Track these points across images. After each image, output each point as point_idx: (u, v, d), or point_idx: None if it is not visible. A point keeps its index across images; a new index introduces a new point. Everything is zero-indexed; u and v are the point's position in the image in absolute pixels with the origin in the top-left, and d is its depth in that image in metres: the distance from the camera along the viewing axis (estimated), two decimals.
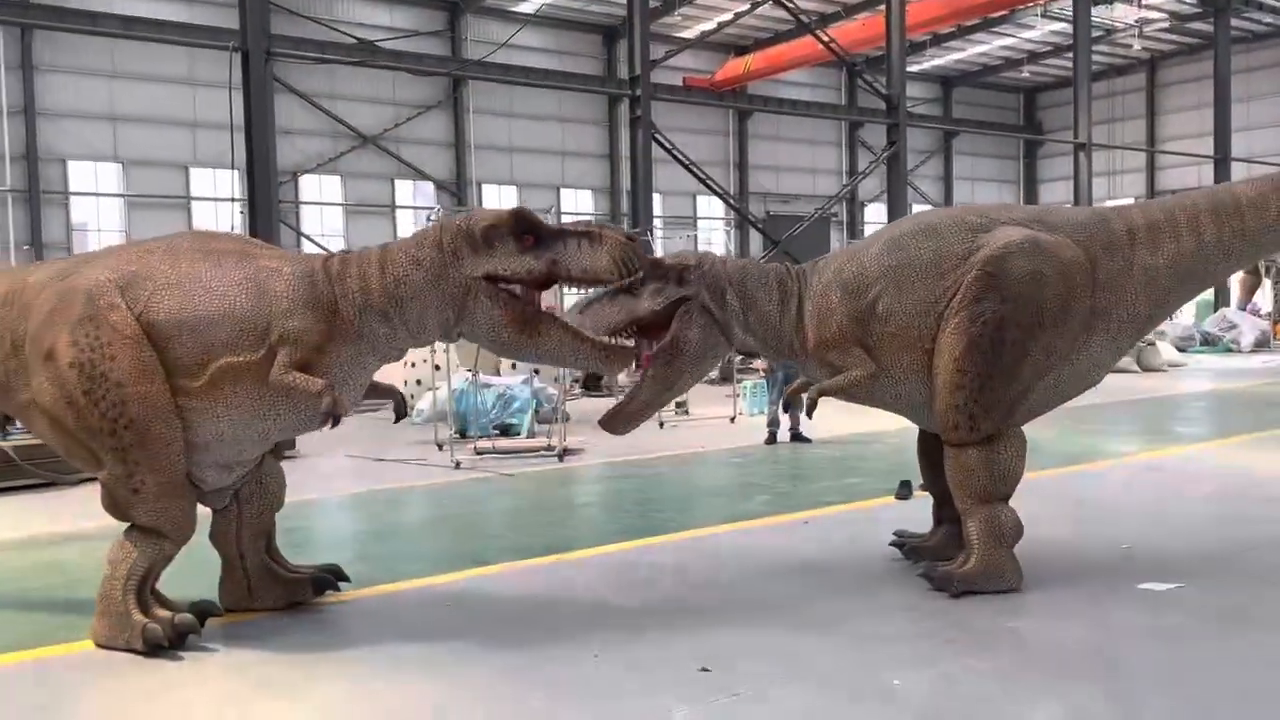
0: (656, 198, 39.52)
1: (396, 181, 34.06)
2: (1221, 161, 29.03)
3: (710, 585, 5.89)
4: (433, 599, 5.72)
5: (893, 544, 6.35)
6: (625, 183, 38.01)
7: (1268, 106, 38.49)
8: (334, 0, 31.70)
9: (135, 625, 4.75)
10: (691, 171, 23.42)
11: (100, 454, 4.84)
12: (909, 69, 44.60)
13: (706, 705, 4.10)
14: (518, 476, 9.68)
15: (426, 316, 4.90)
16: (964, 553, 5.44)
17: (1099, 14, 37.45)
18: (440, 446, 11.32)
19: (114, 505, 4.92)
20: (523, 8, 34.97)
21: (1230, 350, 23.39)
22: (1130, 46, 39.01)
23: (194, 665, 4.69)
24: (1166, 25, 39.26)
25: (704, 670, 4.45)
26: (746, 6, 34.40)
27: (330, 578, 5.61)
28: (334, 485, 9.53)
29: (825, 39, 25.01)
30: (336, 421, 4.81)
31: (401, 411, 5.54)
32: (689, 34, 37.30)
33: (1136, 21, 37.21)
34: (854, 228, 41.68)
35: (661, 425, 13.32)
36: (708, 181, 23.31)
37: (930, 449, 6.04)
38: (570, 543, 6.93)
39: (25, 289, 5.19)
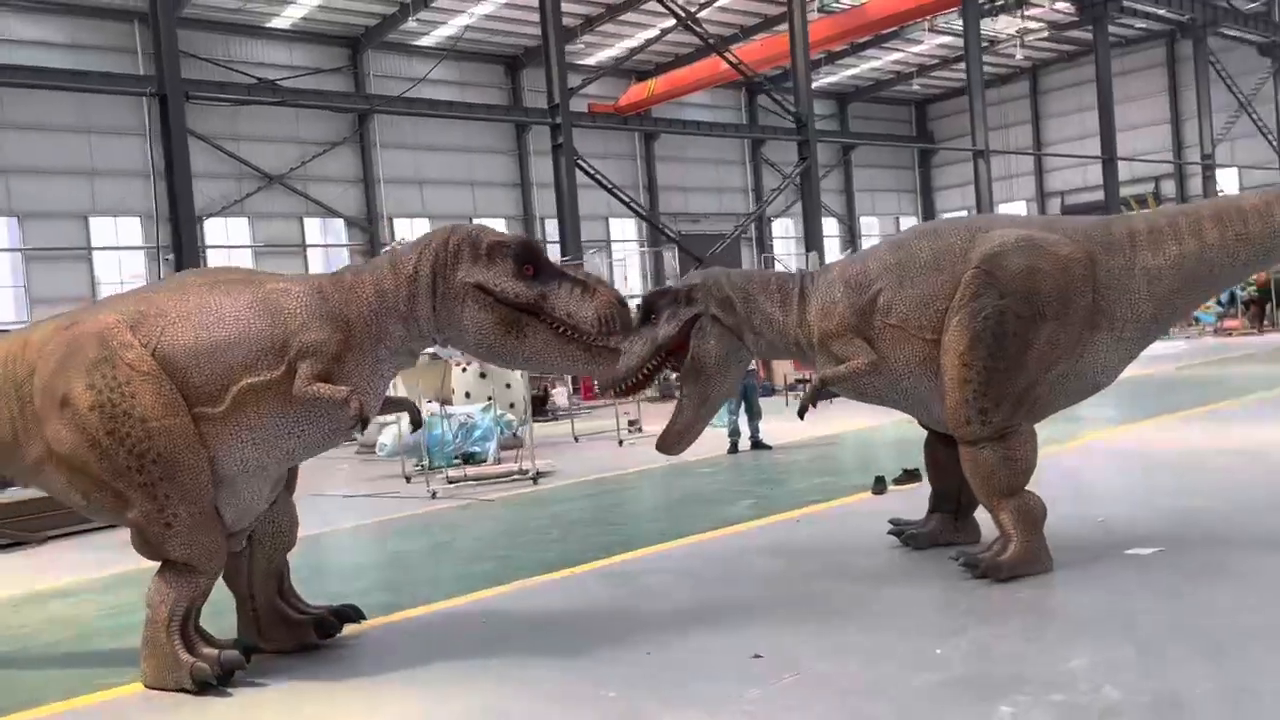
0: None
1: (305, 220, 33.73)
2: (1109, 162, 30.60)
3: (729, 584, 6.14)
4: (464, 618, 5.84)
5: (891, 533, 6.69)
6: (538, 209, 38.37)
7: (1144, 107, 40.64)
8: (230, 41, 31.33)
9: (184, 665, 4.75)
10: (615, 195, 23.79)
11: (128, 493, 4.82)
12: (772, 94, 46.09)
13: (773, 686, 4.33)
14: (498, 501, 9.80)
15: (432, 313, 4.98)
16: (1000, 541, 5.68)
17: (983, 26, 39.19)
18: (408, 479, 11.36)
19: (146, 544, 4.91)
20: (424, 42, 35.04)
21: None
22: (1013, 56, 40.77)
23: (248, 700, 4.74)
24: (1045, 35, 41.19)
25: (757, 657, 4.70)
26: (655, 33, 34.97)
27: (334, 620, 5.49)
28: (317, 523, 9.49)
29: (734, 60, 25.67)
30: (365, 425, 4.92)
31: (417, 421, 5.73)
32: (591, 60, 37.85)
33: (1018, 32, 38.98)
34: (763, 243, 42.57)
35: (621, 443, 13.56)
36: (631, 204, 23.67)
37: (936, 449, 6.41)
38: (576, 557, 7.08)
39: (28, 346, 5.19)
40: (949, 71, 45.75)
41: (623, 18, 34.35)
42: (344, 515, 9.74)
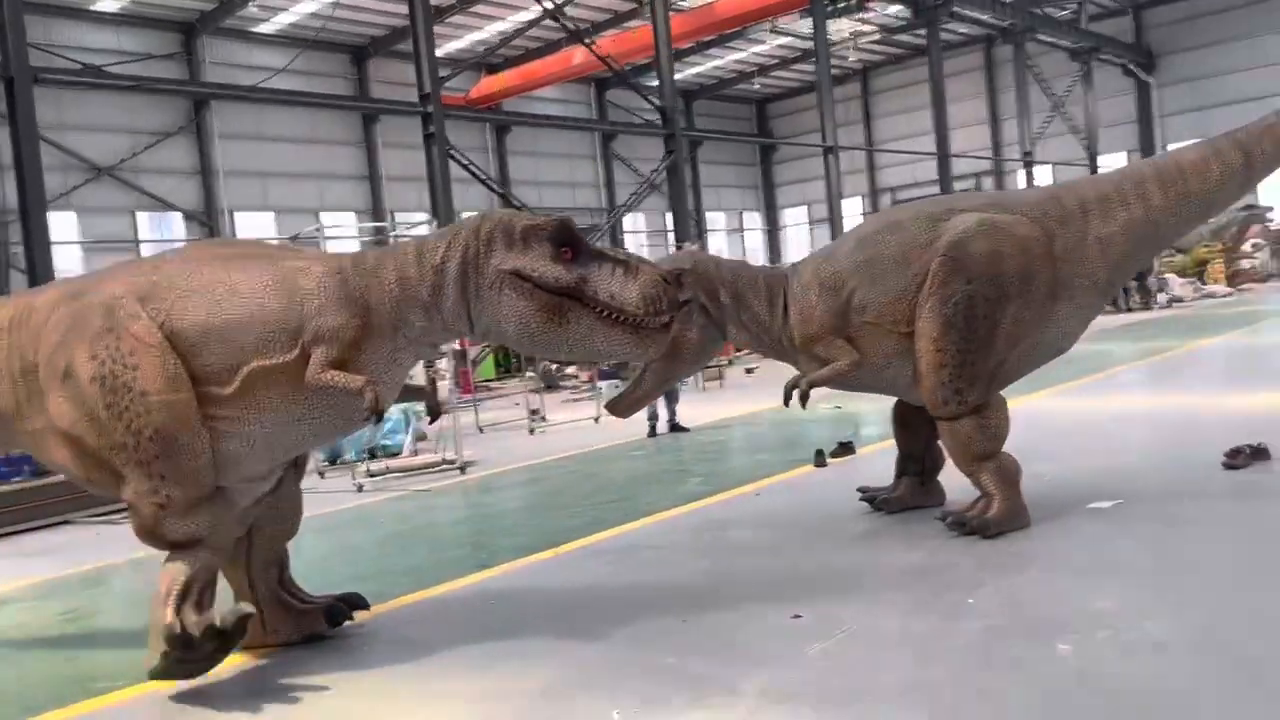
0: (422, 218, 39.24)
1: (139, 214, 31.85)
2: (943, 159, 32.33)
3: (725, 554, 6.29)
4: (469, 601, 5.76)
5: (863, 499, 6.99)
6: (388, 203, 37.51)
7: (965, 108, 43.04)
8: (51, 24, 29.23)
9: (167, 628, 4.43)
10: (491, 189, 23.55)
11: (124, 470, 4.62)
12: (652, 84, 46.53)
13: (830, 641, 4.50)
14: (433, 491, 9.62)
15: (460, 306, 4.74)
16: (982, 501, 6.01)
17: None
18: (321, 474, 11.00)
19: (143, 526, 4.67)
20: (263, 29, 33.66)
21: None
22: (846, 58, 42.56)
23: (303, 700, 4.56)
24: (877, 38, 43.17)
25: (797, 617, 4.87)
26: (507, 25, 34.70)
27: (344, 607, 5.33)
28: None
29: (600, 54, 25.69)
30: (380, 418, 4.67)
31: (436, 411, 5.39)
32: (440, 53, 37.17)
33: (852, 35, 40.71)
34: (615, 238, 42.90)
35: (532, 432, 13.51)
36: (508, 197, 23.41)
37: (906, 415, 6.71)
38: (553, 538, 7.06)
39: (33, 312, 4.97)
40: (788, 72, 47.37)
41: (474, 9, 33.97)
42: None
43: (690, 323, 6.15)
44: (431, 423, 5.63)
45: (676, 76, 46.03)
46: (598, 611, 5.30)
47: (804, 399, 6.21)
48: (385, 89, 37.69)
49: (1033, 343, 6.19)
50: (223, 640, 4.53)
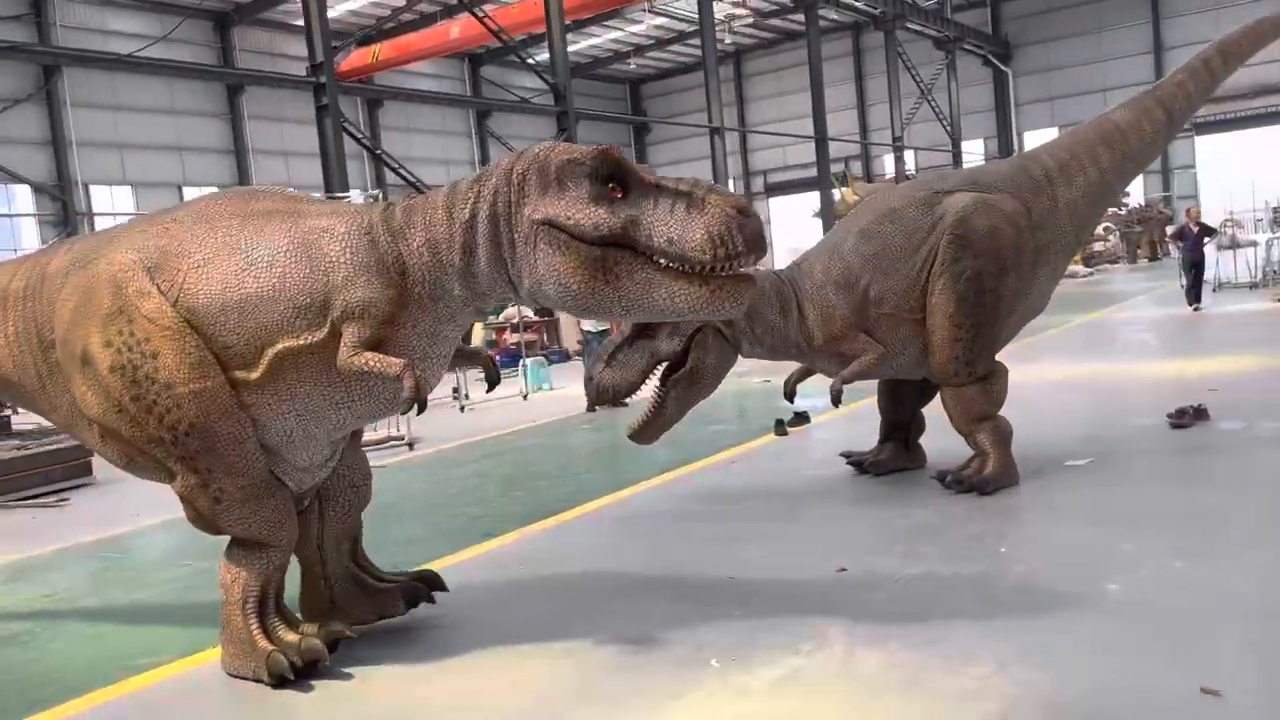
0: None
1: None
2: (820, 142, 33.23)
3: (736, 517, 6.38)
4: (489, 567, 5.71)
5: (850, 463, 7.23)
6: (255, 177, 36.08)
7: (835, 93, 44.26)
8: None
9: (260, 653, 4.21)
10: (386, 163, 22.90)
11: (168, 464, 4.25)
12: (528, 61, 46.05)
13: (889, 590, 4.70)
14: (390, 467, 9.41)
15: (495, 268, 4.05)
16: (978, 460, 6.33)
17: (692, 11, 41.14)
18: None
19: (200, 518, 4.35)
20: None
21: None
22: (722, 40, 43.09)
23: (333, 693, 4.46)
24: (750, 21, 43.90)
25: (842, 570, 5.05)
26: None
27: (424, 587, 4.88)
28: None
29: (495, 27, 25.36)
30: (423, 407, 4.04)
31: (494, 378, 4.85)
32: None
33: (726, 18, 41.27)
34: None
35: (462, 410, 13.32)
36: (401, 171, 22.87)
37: (896, 388, 6.95)
38: (545, 508, 7.04)
39: (46, 280, 4.54)
40: (663, 53, 47.68)
41: None
42: None
43: (708, 348, 6.01)
44: (489, 390, 5.37)
45: (546, 56, 46.01)
46: (639, 574, 5.36)
47: (838, 399, 6.24)
48: (252, 59, 36.27)
49: (1022, 309, 6.57)
50: (309, 665, 4.25)
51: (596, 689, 3.93)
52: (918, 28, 38.37)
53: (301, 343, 4.08)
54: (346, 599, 4.70)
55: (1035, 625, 4.15)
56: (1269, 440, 7.02)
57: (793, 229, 50.60)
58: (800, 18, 41.07)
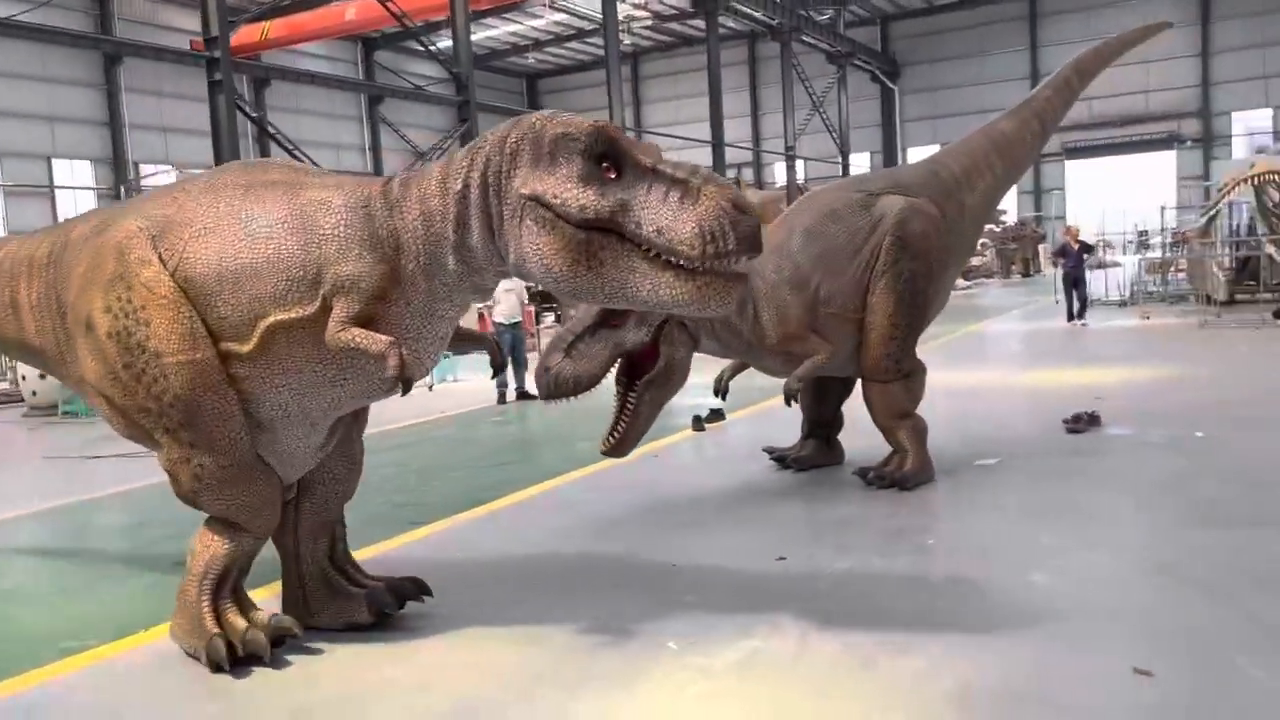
0: (167, 170, 36.42)
1: None
2: (717, 147, 33.71)
3: (668, 508, 6.45)
4: (427, 551, 5.68)
5: (773, 458, 7.41)
6: (131, 153, 34.64)
7: (731, 100, 44.98)
8: None
9: (205, 634, 4.08)
10: (279, 143, 22.20)
11: (155, 434, 4.15)
12: (420, 49, 45.38)
13: (829, 578, 4.87)
14: None
15: (487, 242, 3.90)
16: (897, 457, 6.58)
17: (592, 8, 41.22)
18: None
19: (182, 494, 4.24)
20: None
21: None
22: (621, 41, 43.25)
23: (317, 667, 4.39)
24: (649, 23, 44.23)
25: (781, 559, 5.20)
26: None
27: (389, 598, 4.54)
28: (139, 473, 8.35)
29: (398, 11, 24.91)
30: (408, 387, 3.95)
31: (499, 364, 4.77)
32: None
33: (625, 19, 41.49)
34: None
35: None
36: (297, 154, 22.23)
37: (822, 388, 7.14)
38: (471, 497, 7.02)
39: (68, 246, 4.48)
40: (561, 49, 47.60)
41: None
42: (123, 475, 8.59)
43: (676, 342, 5.73)
44: (494, 377, 5.18)
45: (445, 44, 45.39)
46: (582, 560, 5.41)
47: (793, 397, 6.34)
48: (132, 29, 34.75)
49: (934, 309, 6.90)
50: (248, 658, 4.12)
51: (558, 671, 3.98)
52: (812, 41, 39.28)
53: (293, 316, 3.98)
54: (316, 599, 4.53)
55: (972, 612, 4.38)
56: (1157, 444, 7.50)
57: None
58: (698, 24, 41.56)
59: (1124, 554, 4.99)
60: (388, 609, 4.50)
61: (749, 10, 35.18)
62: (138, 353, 4.06)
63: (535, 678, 3.93)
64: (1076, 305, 18.15)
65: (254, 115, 21.15)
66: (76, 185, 33.50)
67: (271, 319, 3.99)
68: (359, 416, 4.65)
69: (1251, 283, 18.27)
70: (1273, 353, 12.48)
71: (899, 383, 6.54)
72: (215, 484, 4.14)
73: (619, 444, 5.61)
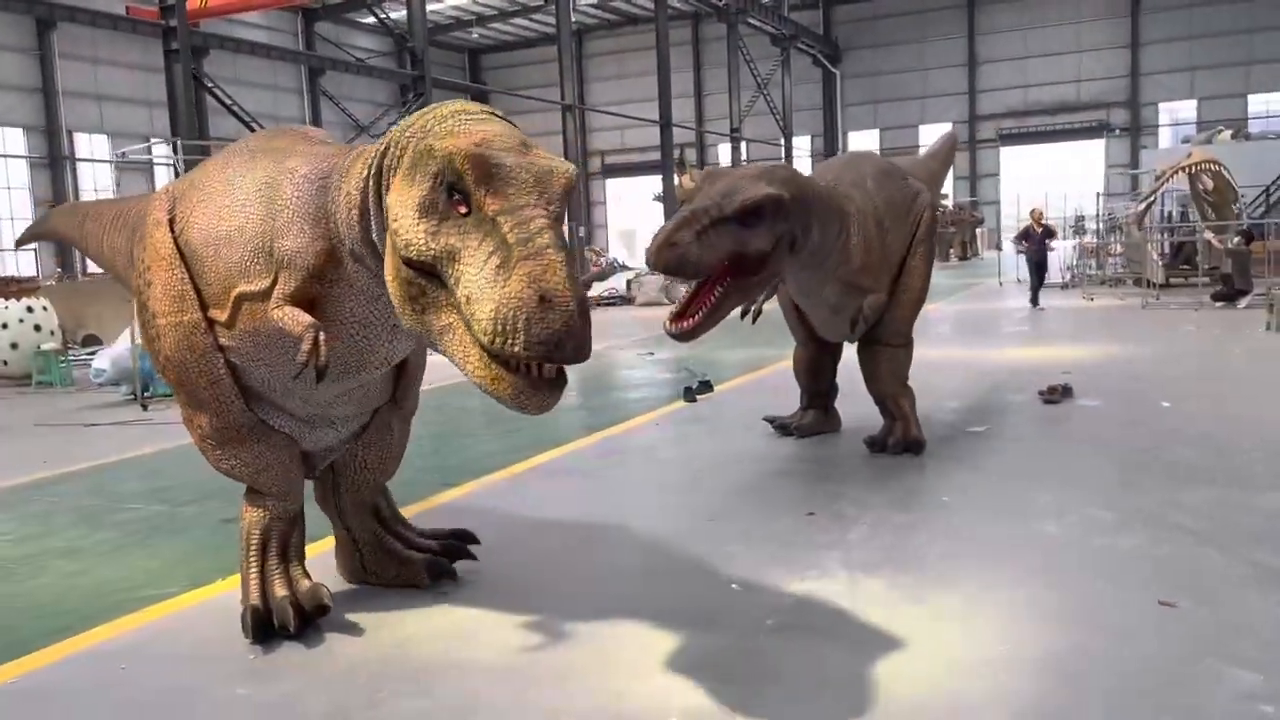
0: (102, 139, 35.54)
1: None
2: (665, 126, 33.99)
3: (688, 472, 6.81)
4: (483, 513, 5.94)
5: (776, 427, 7.78)
6: (65, 121, 33.76)
7: (676, 79, 45.33)
8: None
9: (245, 600, 4.16)
10: (236, 115, 21.92)
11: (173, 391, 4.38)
12: (365, 22, 44.82)
13: (859, 529, 5.25)
14: None
15: (381, 237, 3.46)
16: (899, 424, 6.94)
17: None
18: (144, 406, 10.25)
19: (197, 449, 4.34)
20: None
21: None
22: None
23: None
24: (595, 1, 44.22)
25: (810, 514, 5.58)
26: None
27: (447, 564, 4.68)
28: (111, 448, 8.39)
29: None
30: (321, 375, 3.60)
31: None
32: None
33: None
34: None
35: None
36: (253, 126, 21.98)
37: (815, 362, 7.54)
38: (488, 463, 7.26)
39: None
40: (505, 25, 47.37)
41: None
42: (123, 444, 8.66)
43: (781, 255, 5.42)
44: None
45: (390, 17, 44.89)
46: (623, 517, 5.71)
47: (867, 323, 6.66)
48: None
49: None
50: (304, 617, 4.13)
51: (636, 609, 4.28)
52: (757, 23, 39.71)
53: (254, 288, 3.86)
54: (373, 562, 4.65)
55: (998, 554, 4.81)
56: (1128, 414, 8.04)
57: (626, 212, 51.43)
58: (643, 2, 41.80)
59: (1122, 510, 5.44)
60: (446, 573, 4.62)
61: None
62: (144, 311, 4.24)
63: (613, 618, 4.23)
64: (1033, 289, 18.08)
65: (210, 84, 20.82)
66: (7, 154, 32.53)
67: (238, 289, 3.90)
68: (401, 405, 4.59)
69: (1186, 266, 19.18)
70: (1215, 333, 13.24)
71: (904, 349, 6.98)
72: (214, 442, 4.19)
73: (694, 329, 5.20)
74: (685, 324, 5.17)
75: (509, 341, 2.92)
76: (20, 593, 4.90)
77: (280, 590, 4.16)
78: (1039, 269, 18.22)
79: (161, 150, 33.43)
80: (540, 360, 2.99)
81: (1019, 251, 19.64)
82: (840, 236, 6.14)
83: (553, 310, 2.91)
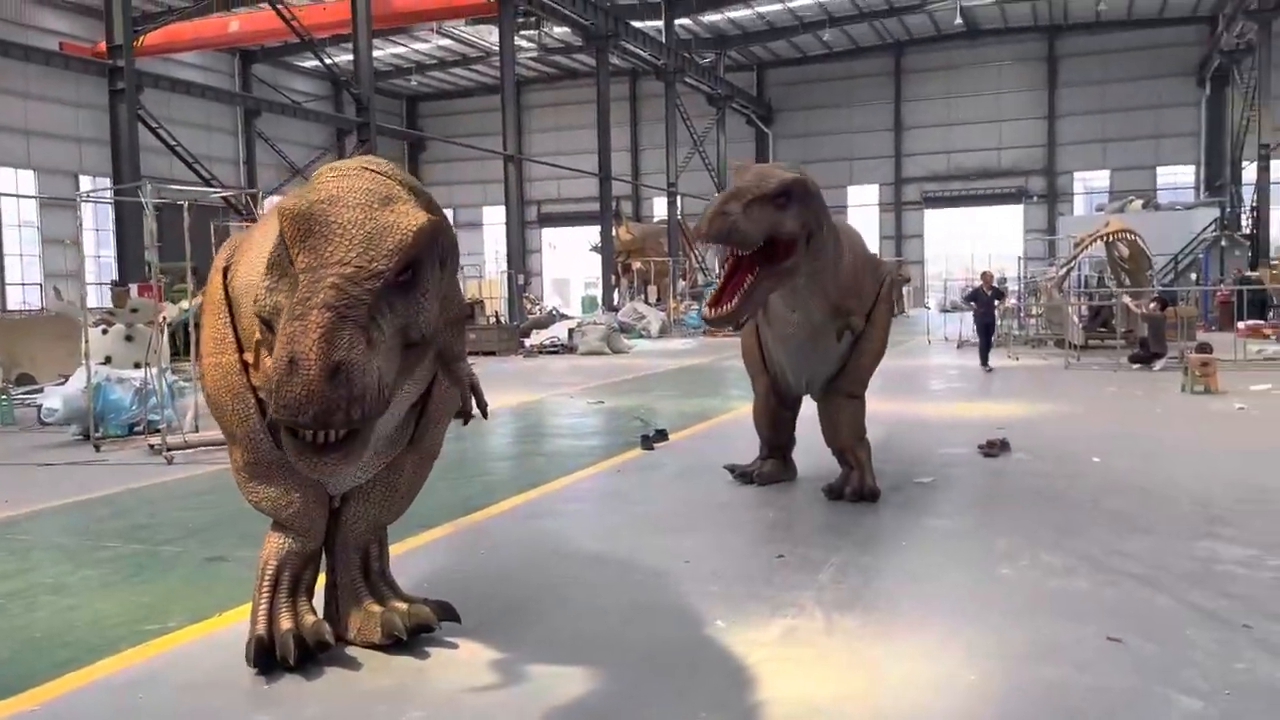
0: (28, 175, 34.85)
1: None
2: (605, 179, 34.59)
3: (653, 516, 7.08)
4: (435, 556, 6.14)
5: (736, 475, 8.10)
6: None
7: (614, 134, 46.11)
8: None
9: (253, 627, 4.26)
10: (179, 155, 21.85)
11: None
12: (303, 65, 44.87)
13: (828, 570, 5.58)
14: None
15: None
16: (856, 473, 7.35)
17: (478, 35, 41.72)
18: (98, 447, 10.19)
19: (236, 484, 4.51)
20: None
21: (643, 336, 28.52)
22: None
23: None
24: (535, 55, 44.91)
25: (780, 557, 5.90)
26: None
27: (399, 624, 4.43)
28: (71, 489, 8.34)
29: (298, 28, 24.76)
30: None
31: (465, 413, 4.52)
32: None
33: (533, 44, 42.15)
34: (255, 216, 40.86)
35: None
36: (195, 166, 21.90)
37: (776, 416, 7.92)
38: (457, 508, 7.47)
39: None
40: (444, 74, 47.79)
41: None
42: (85, 483, 8.62)
43: (803, 253, 5.90)
44: (465, 424, 4.75)
45: (331, 61, 45.00)
46: (599, 557, 5.96)
47: (846, 331, 6.99)
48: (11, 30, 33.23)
49: None
50: (305, 651, 4.22)
51: (625, 645, 4.54)
52: (694, 82, 40.76)
53: (259, 336, 3.85)
54: (344, 610, 4.56)
55: (962, 596, 5.17)
56: (1063, 468, 8.54)
57: (561, 260, 51.88)
58: (582, 58, 42.62)
59: (1070, 556, 5.86)
60: (397, 633, 4.41)
61: (637, 49, 36.31)
62: (199, 349, 4.52)
63: (601, 657, 4.48)
64: (979, 351, 18.03)
65: (153, 124, 20.75)
66: None
67: (257, 335, 3.92)
68: (416, 447, 4.56)
69: (1103, 329, 20.15)
70: (1135, 393, 14.00)
71: (861, 401, 7.42)
72: (246, 476, 4.36)
73: (732, 313, 5.71)
74: (724, 307, 5.69)
75: (271, 404, 3.12)
76: (17, 627, 4.95)
77: (285, 624, 4.27)
78: (987, 330, 18.14)
79: (85, 187, 32.94)
80: (288, 425, 3.11)
81: (969, 309, 19.56)
82: (836, 251, 6.50)
83: (296, 374, 3.05)
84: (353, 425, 3.15)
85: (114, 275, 32.79)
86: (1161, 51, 42.49)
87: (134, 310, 12.79)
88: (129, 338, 12.45)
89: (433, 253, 3.58)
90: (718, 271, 37.28)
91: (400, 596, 4.65)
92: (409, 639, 4.44)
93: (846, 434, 7.44)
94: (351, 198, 3.43)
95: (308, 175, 36.64)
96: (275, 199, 37.20)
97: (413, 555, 5.99)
